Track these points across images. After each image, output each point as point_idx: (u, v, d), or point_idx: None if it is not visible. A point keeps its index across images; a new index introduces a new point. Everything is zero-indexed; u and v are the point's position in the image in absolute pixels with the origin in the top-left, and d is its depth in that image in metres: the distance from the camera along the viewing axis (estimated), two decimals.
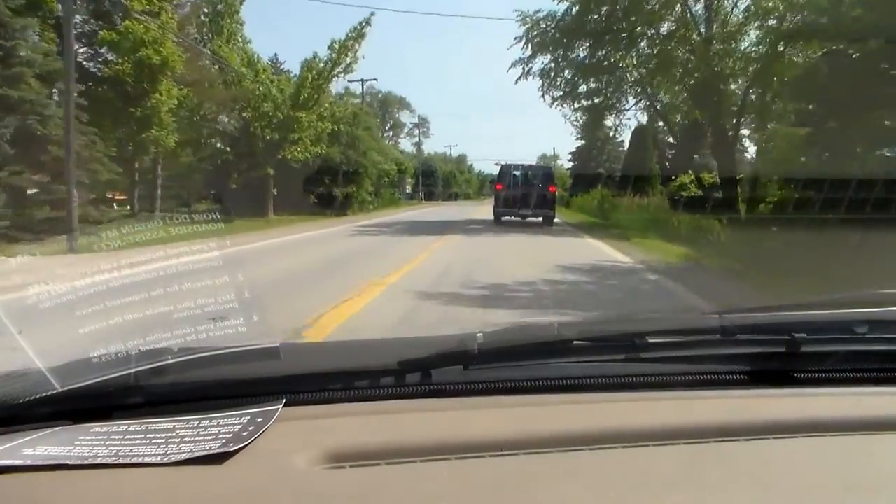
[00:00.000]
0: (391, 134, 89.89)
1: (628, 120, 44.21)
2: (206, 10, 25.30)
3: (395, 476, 0.79)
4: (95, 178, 16.03)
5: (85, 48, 20.22)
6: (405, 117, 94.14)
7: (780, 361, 1.13)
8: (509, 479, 0.79)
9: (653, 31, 19.33)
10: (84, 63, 19.92)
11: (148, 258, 0.99)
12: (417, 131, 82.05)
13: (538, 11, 20.83)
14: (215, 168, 26.96)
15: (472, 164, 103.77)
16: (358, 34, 26.18)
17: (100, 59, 20.59)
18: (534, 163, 33.18)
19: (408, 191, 73.33)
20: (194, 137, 24.74)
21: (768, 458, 0.86)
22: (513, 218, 22.95)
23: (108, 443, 0.84)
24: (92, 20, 20.12)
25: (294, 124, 26.04)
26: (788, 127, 14.65)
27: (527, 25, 20.91)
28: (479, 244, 14.42)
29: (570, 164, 53.65)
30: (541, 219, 22.77)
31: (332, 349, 1.38)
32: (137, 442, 0.84)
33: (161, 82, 19.59)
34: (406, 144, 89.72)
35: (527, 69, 21.48)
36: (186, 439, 0.84)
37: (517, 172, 23.83)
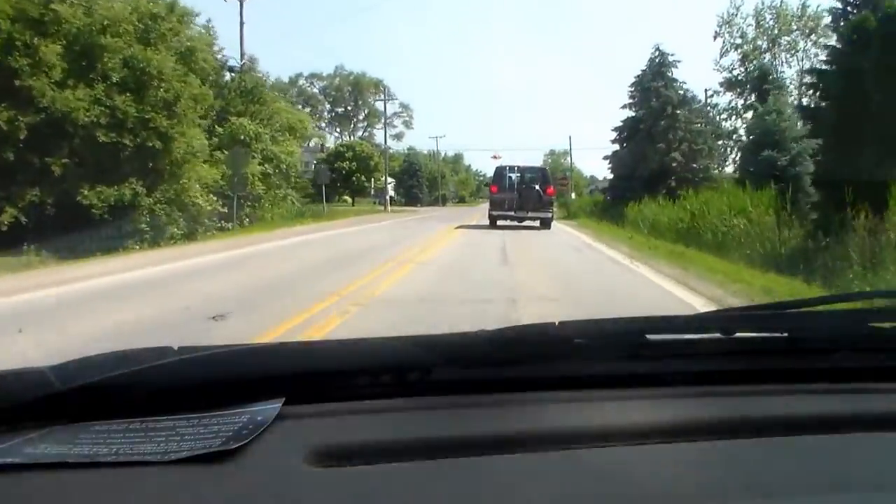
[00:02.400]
0: (366, 125, 76.58)
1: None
2: None
3: (395, 475, 0.80)
4: None
5: None
6: (384, 105, 79.86)
7: (780, 359, 1.14)
8: (510, 478, 0.79)
9: None
10: None
11: None
12: (384, 112, 64.26)
13: None
14: None
15: (469, 165, 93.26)
16: None
17: None
18: (533, 164, 29.58)
19: (391, 194, 63.36)
20: None
21: (769, 456, 0.86)
22: (508, 222, 21.92)
23: (108, 441, 0.84)
24: None
25: None
26: None
27: None
28: None
29: (611, 151, 33.61)
30: (538, 222, 21.93)
31: (332, 348, 1.38)
32: (137, 440, 0.84)
33: None
34: (384, 137, 76.56)
35: None
36: (187, 438, 0.84)
37: (513, 174, 22.87)
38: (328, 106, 78.06)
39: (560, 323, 1.09)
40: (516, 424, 0.91)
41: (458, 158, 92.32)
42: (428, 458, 0.82)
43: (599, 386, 1.07)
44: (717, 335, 1.12)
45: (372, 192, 62.92)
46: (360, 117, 77.89)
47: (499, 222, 22.07)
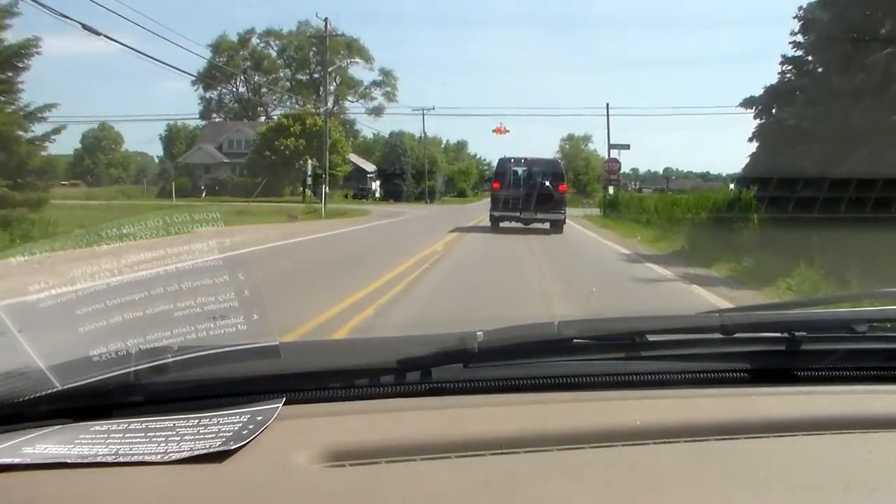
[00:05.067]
0: (336, 96, 57.93)
1: None
2: None
3: (395, 474, 0.80)
4: None
5: None
6: (362, 73, 63.62)
7: (780, 359, 1.14)
8: (509, 478, 0.80)
9: None
10: None
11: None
12: (325, 81, 42.62)
13: None
14: None
15: (476, 154, 78.58)
16: None
17: None
18: (545, 155, 24.26)
19: (374, 188, 50.64)
20: None
21: (769, 456, 0.86)
22: (512, 223, 18.76)
23: (108, 441, 0.84)
24: None
25: None
26: None
27: None
28: None
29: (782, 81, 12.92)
30: (548, 224, 18.73)
31: (332, 347, 1.39)
32: (137, 440, 0.84)
33: None
34: (361, 113, 60.20)
35: None
36: (186, 438, 0.84)
37: (518, 169, 19.46)
38: (289, 72, 62.78)
39: (560, 322, 1.09)
40: (516, 424, 0.91)
41: (461, 146, 78.14)
42: (428, 458, 0.82)
43: (600, 386, 1.07)
44: (717, 335, 1.12)
45: (374, 187, 50.56)
46: (331, 88, 58.46)
47: (502, 224, 18.94)
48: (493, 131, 51.14)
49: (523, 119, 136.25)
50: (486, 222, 19.64)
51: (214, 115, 64.14)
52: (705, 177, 70.44)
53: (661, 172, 73.95)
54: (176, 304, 0.96)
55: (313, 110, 45.21)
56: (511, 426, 0.90)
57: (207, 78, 54.71)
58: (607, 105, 39.56)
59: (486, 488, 0.77)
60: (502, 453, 0.84)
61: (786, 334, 1.13)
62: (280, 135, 40.81)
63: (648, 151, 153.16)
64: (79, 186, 51.54)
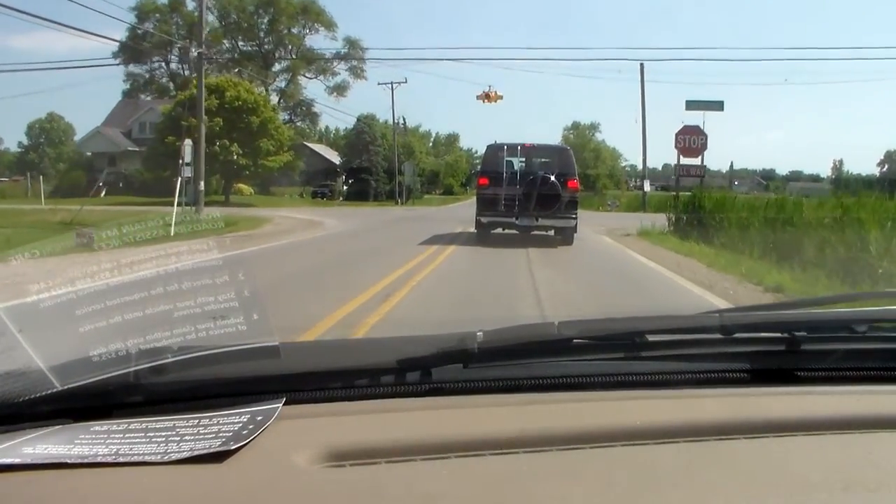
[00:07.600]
0: (289, 73, 49.24)
1: None
2: None
3: (396, 475, 0.80)
4: None
5: None
6: (322, 42, 53.43)
7: (780, 360, 1.14)
8: (510, 478, 0.80)
9: None
10: None
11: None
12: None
13: None
14: None
15: (470, 148, 69.60)
16: None
17: None
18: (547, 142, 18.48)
19: (335, 184, 42.20)
20: None
21: (768, 456, 0.87)
22: (504, 230, 14.36)
23: (108, 441, 0.84)
24: None
25: None
26: None
27: None
28: None
29: None
30: (552, 232, 14.17)
31: (333, 347, 1.40)
32: (137, 440, 0.84)
33: None
34: (319, 91, 51.85)
35: None
36: (187, 438, 0.84)
37: (514, 159, 14.64)
38: (232, 42, 50.54)
39: (560, 323, 1.10)
40: (516, 424, 0.91)
41: (452, 139, 70.36)
42: (428, 458, 0.82)
43: (599, 386, 1.07)
44: (717, 335, 1.12)
45: (342, 186, 41.26)
46: (282, 62, 50.25)
47: (493, 231, 14.40)
48: (479, 98, 37.00)
49: (523, 93, 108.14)
50: (456, 253, 12.60)
51: (143, 95, 52.07)
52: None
53: (659, 169, 63.48)
54: (176, 305, 0.96)
55: (243, 81, 33.04)
56: (511, 426, 0.90)
57: (132, 48, 44.04)
58: (641, 65, 31.80)
59: (486, 488, 0.77)
60: (502, 453, 0.84)
61: (786, 334, 1.13)
62: (189, 111, 28.59)
63: (632, 140, 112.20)
64: (18, 183, 45.22)
